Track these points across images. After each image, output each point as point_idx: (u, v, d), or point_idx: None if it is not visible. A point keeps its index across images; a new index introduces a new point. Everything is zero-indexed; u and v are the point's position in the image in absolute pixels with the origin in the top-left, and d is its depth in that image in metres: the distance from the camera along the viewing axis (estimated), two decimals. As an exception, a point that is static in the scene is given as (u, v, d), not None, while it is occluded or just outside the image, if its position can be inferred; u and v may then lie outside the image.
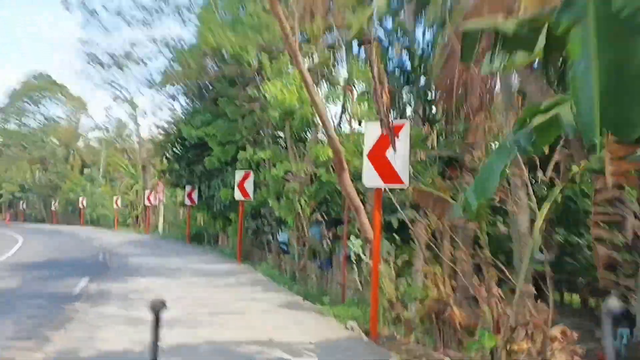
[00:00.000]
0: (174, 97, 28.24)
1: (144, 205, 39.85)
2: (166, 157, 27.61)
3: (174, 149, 26.77)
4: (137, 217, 45.60)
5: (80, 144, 63.46)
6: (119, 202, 44.85)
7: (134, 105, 34.39)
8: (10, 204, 63.95)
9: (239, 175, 19.56)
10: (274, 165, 16.75)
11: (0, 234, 34.50)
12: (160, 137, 27.52)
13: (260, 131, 19.03)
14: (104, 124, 61.28)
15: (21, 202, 61.25)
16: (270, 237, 19.88)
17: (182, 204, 31.88)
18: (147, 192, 37.94)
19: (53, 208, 55.82)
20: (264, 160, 17.94)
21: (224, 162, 23.05)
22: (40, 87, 50.46)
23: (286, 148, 17.19)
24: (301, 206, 15.59)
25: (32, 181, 58.56)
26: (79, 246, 27.16)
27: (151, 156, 28.50)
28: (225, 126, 20.53)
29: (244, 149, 19.57)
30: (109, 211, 47.99)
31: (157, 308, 2.85)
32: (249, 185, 19.25)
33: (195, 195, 28.01)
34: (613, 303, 2.89)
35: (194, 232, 30.76)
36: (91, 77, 35.71)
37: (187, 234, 29.38)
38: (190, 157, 26.46)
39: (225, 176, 23.76)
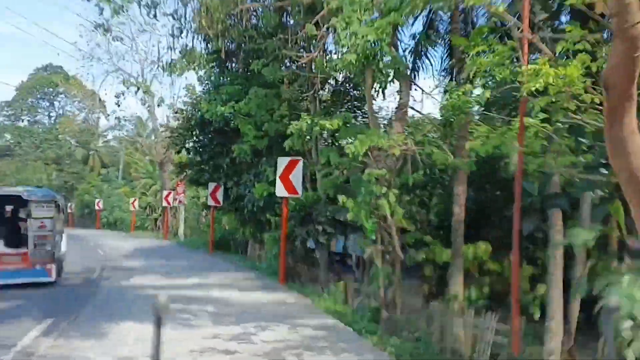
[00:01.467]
0: (196, 68, 22.38)
1: (163, 207, 34.10)
2: (186, 149, 21.71)
3: (195, 137, 20.86)
4: (155, 220, 39.94)
5: (99, 144, 58.50)
6: (136, 204, 39.27)
7: (149, 93, 28.65)
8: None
9: (282, 163, 13.55)
10: (344, 142, 10.69)
11: None
12: (179, 124, 21.67)
13: (316, 97, 13.01)
14: (122, 119, 56.26)
15: (37, 204, 56.17)
16: (326, 249, 13.83)
17: (205, 206, 26.03)
18: (165, 192, 32.19)
19: (69, 210, 50.53)
20: (323, 135, 11.93)
21: (259, 149, 17.15)
22: (50, 80, 45.18)
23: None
24: (390, 204, 9.49)
25: (47, 182, 53.42)
26: (80, 256, 21.45)
27: (170, 145, 22.18)
28: (261, 97, 14.52)
29: (286, 128, 13.58)
30: (127, 214, 42.45)
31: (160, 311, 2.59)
32: (296, 177, 13.22)
33: (220, 195, 22.16)
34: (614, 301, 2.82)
35: (218, 239, 24.89)
36: (101, 61, 30.30)
37: (211, 242, 23.44)
38: (214, 147, 20.57)
39: (260, 169, 17.82)
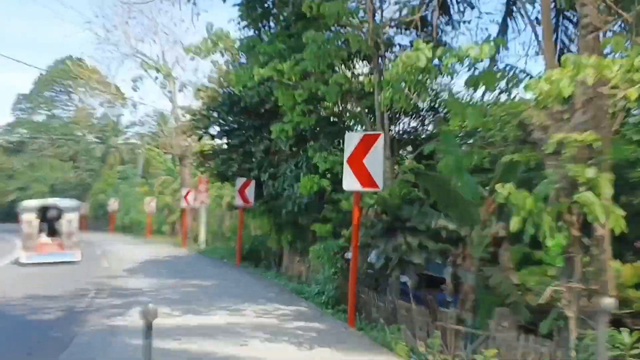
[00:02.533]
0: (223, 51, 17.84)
1: (181, 208, 29.59)
2: (210, 135, 17.08)
3: (221, 119, 16.23)
4: (173, 224, 35.49)
5: (119, 141, 54.55)
6: (153, 204, 34.83)
7: (170, 77, 24.36)
8: (42, 206, 55.26)
9: (352, 140, 8.75)
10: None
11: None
12: (202, 103, 17.13)
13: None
14: (143, 116, 52.12)
15: (52, 204, 52.27)
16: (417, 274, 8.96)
17: (231, 207, 21.38)
18: (184, 190, 27.65)
19: (81, 212, 46.46)
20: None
21: (303, 133, 12.58)
22: (68, 72, 41.12)
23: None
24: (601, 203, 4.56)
25: (62, 180, 49.54)
26: (79, 269, 16.99)
27: (190, 130, 17.45)
28: (320, 46, 9.80)
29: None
30: (144, 216, 38.11)
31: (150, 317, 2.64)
32: (375, 161, 8.41)
33: (250, 192, 17.57)
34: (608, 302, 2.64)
35: (246, 248, 20.31)
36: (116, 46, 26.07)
37: (238, 252, 18.70)
38: (245, 131, 15.92)
39: (301, 158, 13.22)
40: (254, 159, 15.61)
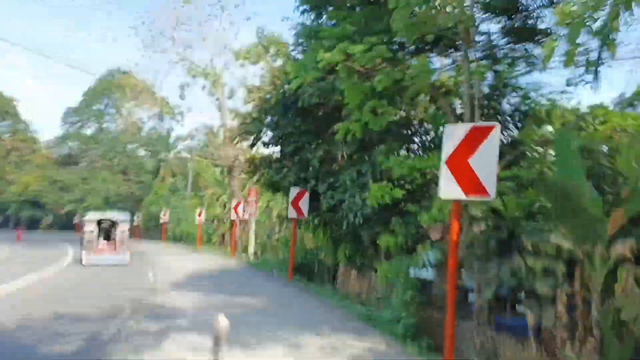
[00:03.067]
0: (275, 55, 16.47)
1: (231, 219, 28.31)
2: (262, 143, 15.55)
3: (274, 124, 14.68)
4: (223, 235, 34.35)
5: (170, 155, 54.49)
6: (202, 215, 33.81)
7: (218, 84, 23.20)
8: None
9: (454, 135, 6.89)
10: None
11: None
12: (254, 106, 15.68)
13: None
14: (192, 130, 51.74)
15: (105, 216, 52.46)
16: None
17: (282, 218, 19.81)
18: (233, 202, 26.35)
19: (135, 223, 46.28)
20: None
21: (367, 138, 10.84)
22: (116, 84, 41.12)
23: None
24: None
25: (114, 193, 49.65)
26: (120, 281, 15.79)
27: (240, 137, 15.88)
28: (405, 16, 7.97)
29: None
30: (194, 227, 37.20)
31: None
32: (485, 162, 6.49)
33: (304, 203, 15.91)
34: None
35: (298, 261, 18.63)
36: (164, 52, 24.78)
37: (291, 266, 17.00)
38: (300, 135, 14.30)
39: (369, 163, 11.47)
40: (310, 167, 13.93)
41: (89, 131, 44.18)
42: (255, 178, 17.82)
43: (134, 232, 47.85)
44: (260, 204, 29.24)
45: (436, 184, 8.83)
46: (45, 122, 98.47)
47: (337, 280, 16.88)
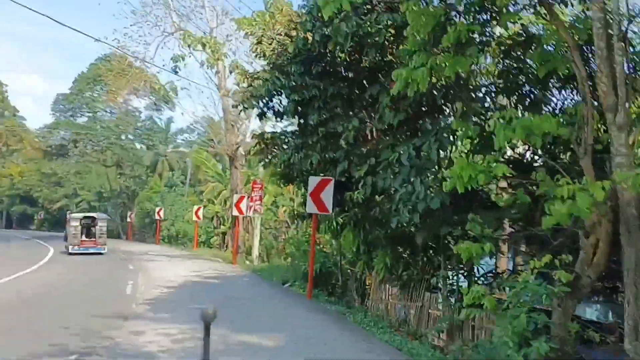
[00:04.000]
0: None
1: (233, 217, 24.30)
2: (274, 113, 11.38)
3: (294, 82, 10.48)
4: (223, 235, 30.35)
5: (169, 149, 50.44)
6: (200, 213, 29.79)
7: (217, 55, 19.17)
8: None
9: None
10: None
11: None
12: (265, 63, 11.58)
13: None
14: (192, 122, 47.66)
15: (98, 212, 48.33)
16: None
17: (296, 216, 15.73)
18: (235, 197, 22.29)
19: (129, 220, 42.24)
20: None
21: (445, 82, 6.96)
22: (111, 70, 36.92)
23: None
24: None
25: (108, 189, 45.56)
26: (88, 296, 11.82)
27: (244, 103, 11.48)
28: None
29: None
30: (191, 226, 33.20)
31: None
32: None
33: (328, 196, 11.94)
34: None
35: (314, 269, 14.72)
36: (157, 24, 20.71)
37: (310, 282, 12.82)
38: (329, 100, 10.22)
39: (434, 132, 7.52)
40: (341, 144, 9.88)
41: (81, 120, 39.98)
42: (262, 164, 13.76)
43: (126, 231, 44.07)
44: (266, 199, 25.26)
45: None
46: (36, 111, 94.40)
47: (365, 296, 12.95)
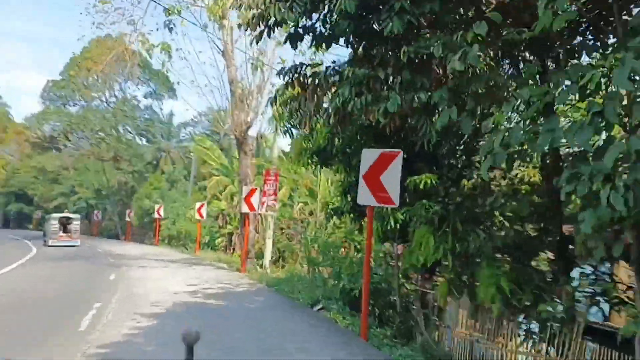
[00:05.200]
0: None
1: (241, 215, 19.68)
2: (314, 36, 6.61)
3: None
4: (230, 236, 25.79)
5: (172, 144, 45.89)
6: (203, 210, 25.21)
7: (220, 8, 14.64)
8: (88, 213, 47.07)
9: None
10: None
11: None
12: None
13: None
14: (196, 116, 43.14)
15: (95, 211, 43.87)
16: None
17: (332, 211, 10.99)
18: (245, 189, 17.61)
19: (128, 219, 37.69)
20: None
21: None
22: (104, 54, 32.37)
23: None
24: None
25: (106, 185, 41.02)
26: (26, 331, 7.15)
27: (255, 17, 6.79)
28: None
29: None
30: (194, 225, 28.62)
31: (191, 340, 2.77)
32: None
33: (393, 179, 7.24)
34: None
35: (342, 286, 10.23)
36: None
37: (365, 311, 8.01)
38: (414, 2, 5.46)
39: None
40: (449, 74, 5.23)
41: (73, 110, 35.43)
42: (287, 127, 9.14)
43: (124, 231, 39.51)
44: (281, 192, 20.68)
45: None
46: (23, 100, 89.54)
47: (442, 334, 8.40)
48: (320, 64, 6.62)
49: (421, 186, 8.01)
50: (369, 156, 7.87)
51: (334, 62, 6.18)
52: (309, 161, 10.14)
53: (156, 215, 31.99)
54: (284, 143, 30.13)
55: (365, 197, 7.94)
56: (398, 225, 8.52)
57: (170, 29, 14.59)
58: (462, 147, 8.89)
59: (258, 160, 22.37)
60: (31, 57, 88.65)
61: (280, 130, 9.49)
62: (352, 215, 10.50)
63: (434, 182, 8.00)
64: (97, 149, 36.24)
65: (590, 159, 4.06)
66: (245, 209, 17.16)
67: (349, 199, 10.12)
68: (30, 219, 57.16)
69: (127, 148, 37.76)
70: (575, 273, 6.91)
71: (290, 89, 6.28)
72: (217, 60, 17.05)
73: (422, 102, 5.47)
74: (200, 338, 3.04)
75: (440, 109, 5.60)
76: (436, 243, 7.45)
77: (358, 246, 13.12)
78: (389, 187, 7.76)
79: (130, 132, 37.62)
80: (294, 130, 9.80)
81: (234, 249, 25.85)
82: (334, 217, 11.27)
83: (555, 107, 4.75)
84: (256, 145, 18.59)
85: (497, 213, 7.65)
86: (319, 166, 10.60)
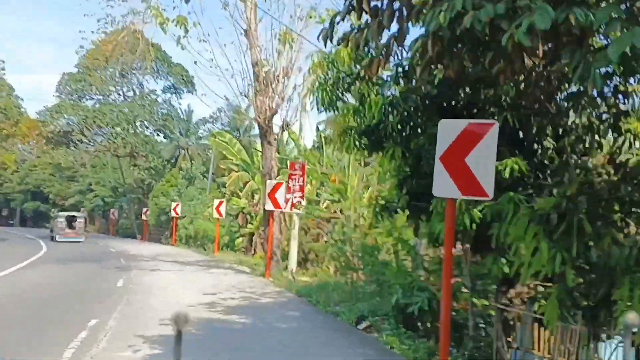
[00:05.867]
0: None
1: (264, 213, 17.59)
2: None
3: None
4: (250, 236, 23.83)
5: (191, 141, 44.12)
6: (222, 208, 23.25)
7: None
8: (105, 211, 45.60)
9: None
10: None
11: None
12: None
13: None
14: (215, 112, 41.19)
15: (112, 210, 42.32)
16: None
17: (381, 209, 8.79)
18: (270, 184, 15.46)
19: (144, 217, 35.96)
20: None
21: None
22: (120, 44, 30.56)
23: None
24: None
25: (122, 183, 39.42)
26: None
27: None
28: None
29: None
30: (212, 224, 26.70)
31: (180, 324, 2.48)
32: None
33: (484, 163, 4.94)
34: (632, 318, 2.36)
35: (387, 300, 8.15)
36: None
37: (444, 328, 5.78)
38: None
39: None
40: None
41: (89, 103, 33.65)
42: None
43: (141, 231, 37.73)
44: (308, 189, 18.54)
45: None
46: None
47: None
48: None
49: (505, 174, 5.89)
50: (448, 130, 5.65)
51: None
52: (355, 144, 7.96)
53: (173, 214, 30.16)
54: (307, 139, 27.71)
55: (442, 186, 5.70)
56: (474, 226, 6.36)
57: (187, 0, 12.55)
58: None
59: (284, 152, 20.24)
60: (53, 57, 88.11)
61: (320, 99, 7.29)
62: (406, 212, 8.32)
63: (523, 168, 5.87)
64: (114, 145, 34.50)
65: None
66: (269, 206, 15.05)
67: (405, 192, 7.94)
68: (47, 218, 56.12)
69: (144, 144, 35.99)
70: None
71: (353, 14, 4.13)
72: (240, 41, 15.13)
73: (581, 21, 3.28)
74: (189, 321, 2.53)
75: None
76: (551, 250, 5.22)
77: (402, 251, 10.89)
78: (479, 173, 5.52)
79: (147, 127, 35.78)
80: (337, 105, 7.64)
81: (254, 250, 23.85)
82: (383, 215, 9.04)
83: None
84: (285, 129, 16.47)
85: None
86: (366, 151, 8.40)
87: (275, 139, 15.39)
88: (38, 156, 46.75)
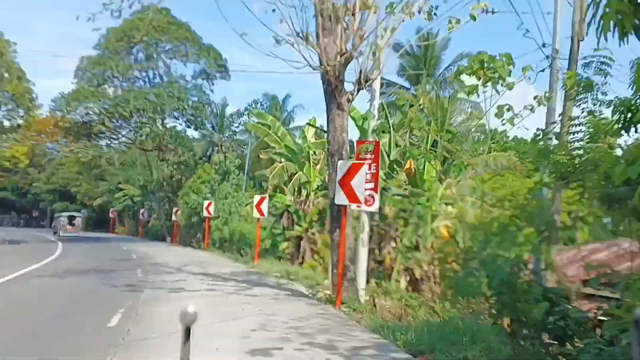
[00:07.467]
0: None
1: (332, 208, 12.20)
2: None
3: None
4: (298, 240, 18.72)
5: (225, 137, 39.53)
6: (263, 206, 18.19)
7: None
8: (134, 212, 41.47)
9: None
10: None
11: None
12: None
13: None
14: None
15: (142, 210, 38.05)
16: None
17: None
18: (342, 166, 10.27)
19: (174, 218, 31.37)
20: None
21: None
22: (149, 27, 26.11)
23: None
24: None
25: (152, 180, 35.08)
26: None
27: None
28: None
29: None
30: (252, 225, 21.78)
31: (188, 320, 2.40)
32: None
33: None
34: None
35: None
36: None
37: None
38: None
39: None
40: None
41: (111, 90, 29.32)
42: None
43: (171, 233, 33.10)
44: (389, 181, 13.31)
45: None
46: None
47: None
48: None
49: None
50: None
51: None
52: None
53: (205, 214, 25.41)
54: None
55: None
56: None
57: None
58: None
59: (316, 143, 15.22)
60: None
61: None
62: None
63: None
64: (140, 138, 30.09)
65: None
66: (341, 198, 9.80)
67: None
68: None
69: (174, 137, 31.47)
70: None
71: None
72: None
73: None
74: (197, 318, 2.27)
75: None
76: None
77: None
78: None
79: (177, 118, 31.25)
80: None
81: (302, 257, 18.77)
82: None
83: None
84: (367, 85, 11.11)
85: None
86: None
87: (349, 100, 10.14)
88: (60, 151, 43.02)
